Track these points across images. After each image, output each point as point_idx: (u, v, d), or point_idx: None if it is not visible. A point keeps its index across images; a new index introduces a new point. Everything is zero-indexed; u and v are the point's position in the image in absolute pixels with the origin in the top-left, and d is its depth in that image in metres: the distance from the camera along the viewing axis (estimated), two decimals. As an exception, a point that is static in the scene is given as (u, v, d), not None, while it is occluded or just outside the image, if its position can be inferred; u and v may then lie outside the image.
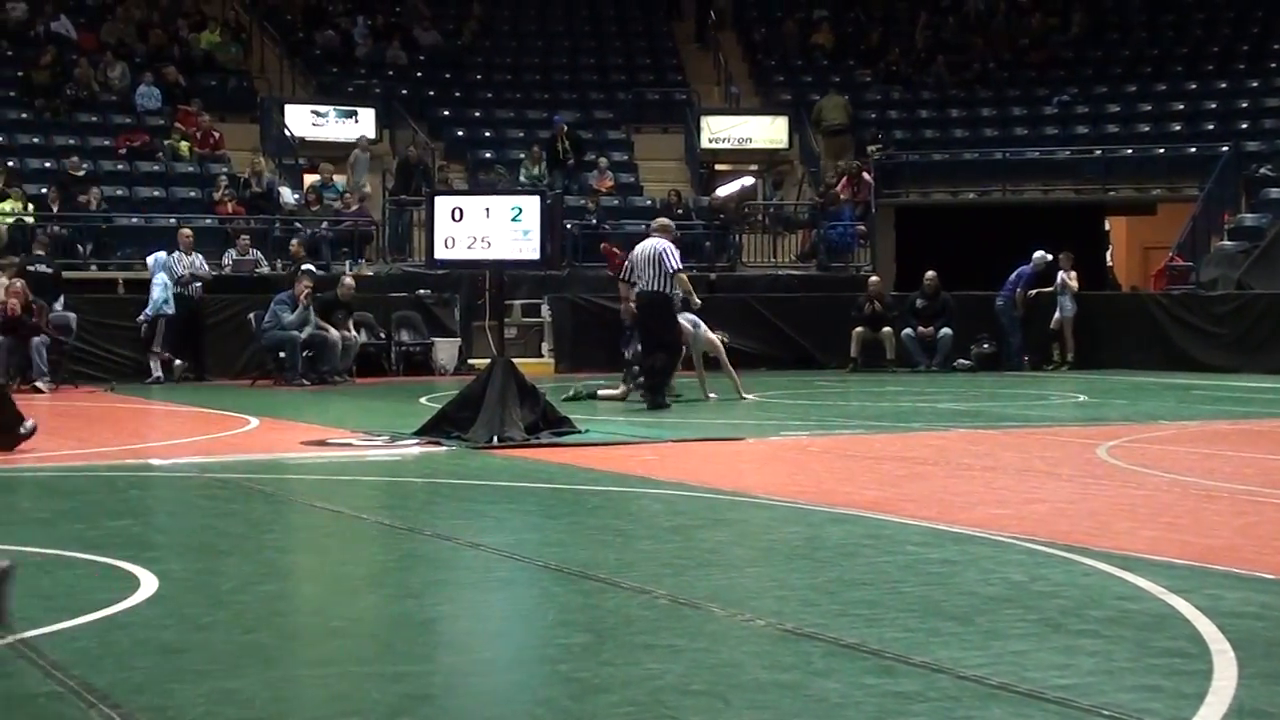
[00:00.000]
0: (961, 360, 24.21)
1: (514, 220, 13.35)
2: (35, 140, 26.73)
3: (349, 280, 22.45)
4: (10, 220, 23.54)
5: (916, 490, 10.05)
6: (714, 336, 17.82)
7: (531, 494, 10.16)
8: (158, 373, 21.16)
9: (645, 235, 17.36)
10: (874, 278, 25.35)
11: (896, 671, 5.10)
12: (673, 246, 16.73)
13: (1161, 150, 28.87)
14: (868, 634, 5.63)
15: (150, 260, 21.51)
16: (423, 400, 16.91)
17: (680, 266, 16.65)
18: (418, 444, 12.74)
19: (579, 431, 13.17)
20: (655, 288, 16.45)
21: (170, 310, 21.19)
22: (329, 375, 21.10)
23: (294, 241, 23.89)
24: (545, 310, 24.64)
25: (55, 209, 24.14)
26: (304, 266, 22.39)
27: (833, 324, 24.34)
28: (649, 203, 28.97)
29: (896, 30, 34.84)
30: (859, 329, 24.13)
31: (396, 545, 8.19)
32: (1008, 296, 24.29)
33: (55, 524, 8.65)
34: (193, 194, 25.97)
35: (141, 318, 21.22)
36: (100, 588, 6.66)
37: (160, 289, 21.23)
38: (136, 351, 21.43)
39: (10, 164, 25.03)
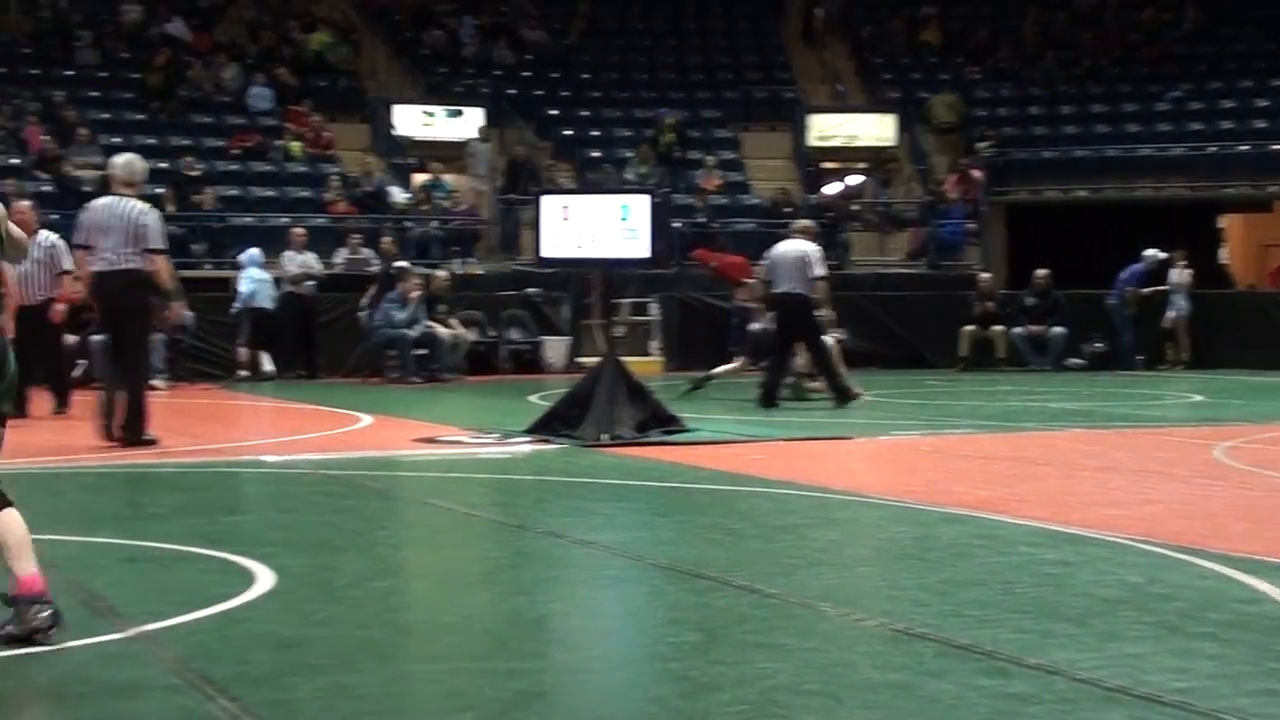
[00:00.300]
0: (1073, 359, 23.98)
1: (622, 219, 13.37)
2: (151, 141, 27.07)
3: (442, 275, 22.57)
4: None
5: (1029, 490, 9.97)
6: (830, 338, 17.85)
7: (641, 492, 10.18)
8: (257, 368, 21.40)
9: (785, 236, 17.25)
10: (984, 275, 25.16)
11: (1010, 673, 5.07)
12: (819, 251, 16.74)
13: (1277, 146, 28.40)
14: (981, 635, 5.59)
15: (244, 256, 21.78)
16: (532, 398, 16.98)
17: (824, 274, 16.67)
18: (528, 442, 12.80)
19: (688, 430, 13.17)
20: (797, 290, 16.46)
21: (263, 305, 21.40)
22: (439, 373, 21.25)
23: (385, 239, 23.97)
24: (654, 309, 24.66)
25: (171, 209, 24.46)
26: (399, 264, 22.48)
27: (942, 323, 24.19)
28: (757, 201, 28.91)
29: (1005, 26, 34.54)
30: (969, 328, 23.97)
31: (508, 542, 8.24)
32: (1119, 295, 24.03)
33: (174, 519, 8.78)
34: (305, 193, 26.25)
35: (233, 310, 21.50)
36: (218, 582, 6.75)
37: (248, 283, 21.48)
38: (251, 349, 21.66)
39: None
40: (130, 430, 12.55)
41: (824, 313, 17.17)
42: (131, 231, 12.49)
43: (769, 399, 16.40)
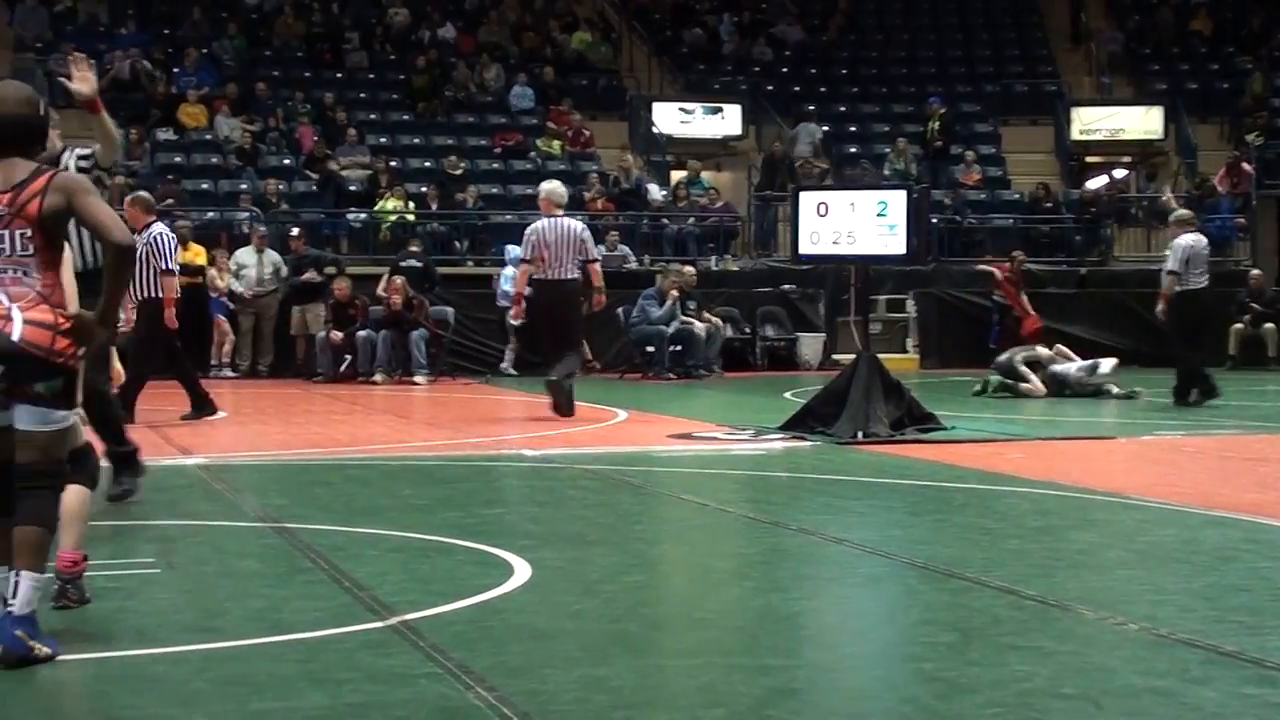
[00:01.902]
0: (1350, 359, 23.11)
1: (879, 215, 13.27)
2: (416, 141, 27.71)
3: (689, 271, 22.63)
4: (392, 218, 24.47)
5: (1300, 494, 9.66)
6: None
7: (896, 490, 10.09)
8: (505, 363, 21.75)
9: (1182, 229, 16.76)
10: (1255, 272, 24.38)
11: (1279, 682, 4.91)
12: (1201, 241, 16.40)
13: None
14: (1248, 642, 5.43)
15: (510, 251, 22.14)
16: (787, 395, 16.95)
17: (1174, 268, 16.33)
18: (782, 439, 12.78)
19: (945, 428, 13.02)
20: (1194, 286, 16.19)
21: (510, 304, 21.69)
22: (695, 369, 21.35)
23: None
24: (910, 305, 24.43)
25: (434, 207, 25.00)
26: (669, 265, 22.64)
27: (1210, 320, 23.47)
28: (1016, 196, 28.45)
29: (1279, 14, 33.42)
30: (1238, 325, 23.26)
31: (761, 539, 8.24)
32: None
33: (434, 511, 8.97)
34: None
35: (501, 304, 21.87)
36: (476, 574, 6.88)
37: (504, 281, 21.82)
38: (517, 344, 21.94)
39: (393, 164, 26.02)
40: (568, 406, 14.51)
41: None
42: (574, 245, 14.63)
43: (1183, 396, 16.19)
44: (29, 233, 5.29)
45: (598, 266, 15.21)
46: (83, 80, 7.85)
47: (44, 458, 5.37)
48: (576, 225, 15.08)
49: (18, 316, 5.25)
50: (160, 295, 13.16)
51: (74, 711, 4.93)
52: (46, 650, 5.22)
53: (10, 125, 5.39)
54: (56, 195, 5.30)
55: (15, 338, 5.23)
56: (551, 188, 15.43)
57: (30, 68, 26.44)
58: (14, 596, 5.22)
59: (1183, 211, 17.82)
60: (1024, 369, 17.64)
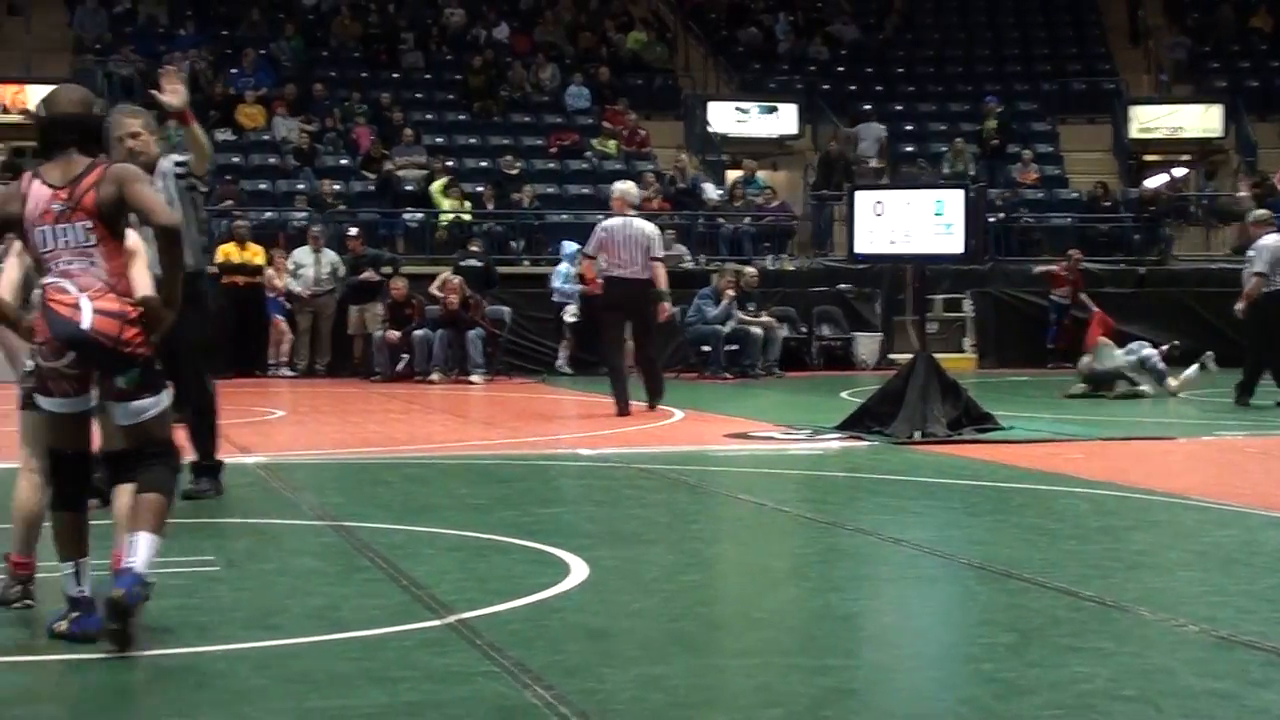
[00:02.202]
0: None
1: (936, 214, 13.22)
2: (472, 141, 27.79)
3: (750, 271, 22.60)
4: (450, 218, 24.55)
5: (1363, 495, 9.56)
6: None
7: (954, 490, 10.05)
8: (560, 360, 21.78)
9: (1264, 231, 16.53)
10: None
11: (1342, 685, 4.87)
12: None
13: None
14: (1311, 644, 5.39)
15: (564, 247, 22.17)
16: (844, 395, 16.92)
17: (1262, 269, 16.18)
18: (839, 438, 12.75)
19: (1003, 428, 12.96)
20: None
21: (565, 301, 21.72)
22: (751, 369, 21.32)
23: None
24: (967, 305, 24.33)
25: (490, 207, 25.06)
26: (727, 264, 22.61)
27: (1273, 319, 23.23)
28: (1074, 195, 28.30)
29: (1343, 10, 33.14)
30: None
31: (818, 539, 8.23)
32: None
33: (491, 510, 8.99)
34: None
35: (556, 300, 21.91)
36: (533, 573, 6.89)
37: (558, 279, 21.84)
38: (572, 342, 21.98)
39: (450, 164, 26.10)
40: (655, 396, 15.22)
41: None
42: (642, 245, 14.89)
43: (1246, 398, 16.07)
44: (90, 224, 5.47)
45: (661, 269, 15.30)
46: (173, 92, 7.97)
47: (148, 440, 5.56)
48: (647, 226, 15.37)
49: (86, 305, 5.40)
50: None
51: (135, 707, 4.96)
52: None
53: (65, 125, 5.58)
54: (110, 185, 5.48)
55: (85, 326, 5.38)
56: (626, 188, 15.75)
57: (90, 69, 26.68)
58: (133, 555, 5.38)
59: (1261, 211, 17.62)
60: (1131, 373, 17.50)
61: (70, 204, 5.45)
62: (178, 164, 8.48)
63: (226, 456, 9.77)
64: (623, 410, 14.82)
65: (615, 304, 15.23)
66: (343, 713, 4.70)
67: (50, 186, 5.48)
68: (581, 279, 20.30)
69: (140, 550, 5.41)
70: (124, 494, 5.88)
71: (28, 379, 5.63)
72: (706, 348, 21.45)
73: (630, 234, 15.03)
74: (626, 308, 15.12)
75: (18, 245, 6.14)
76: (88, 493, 5.75)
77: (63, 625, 5.54)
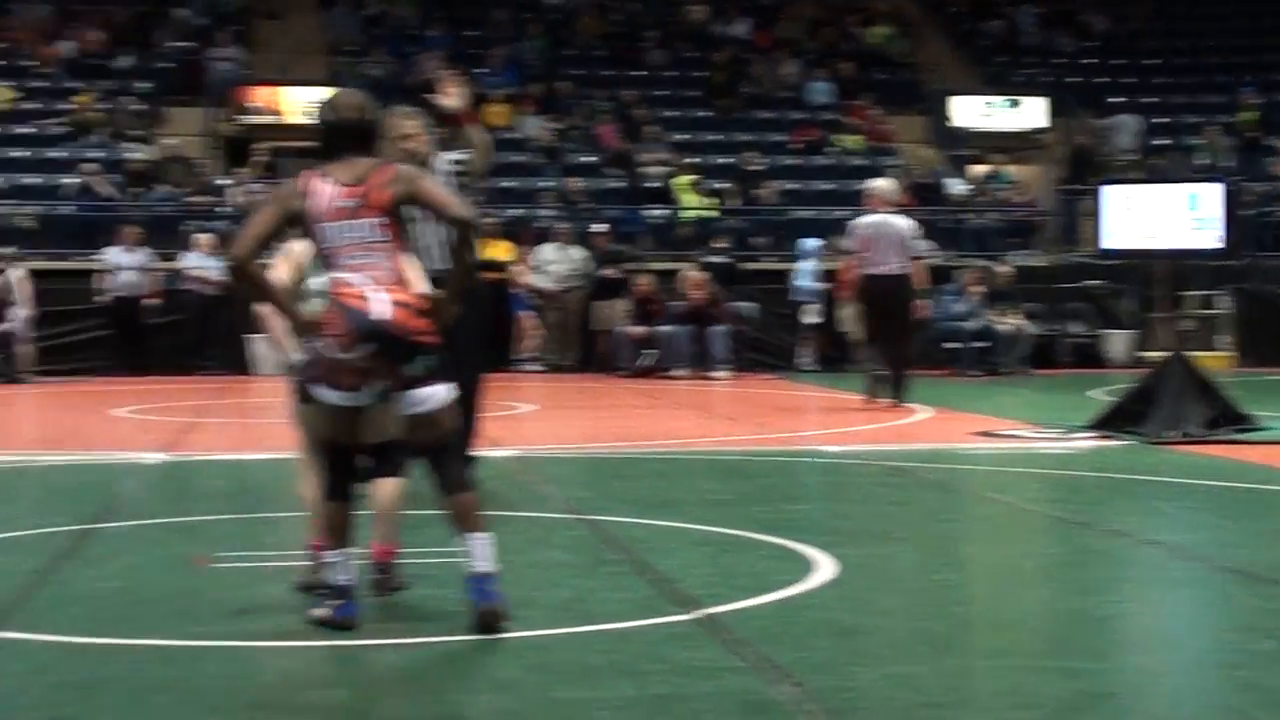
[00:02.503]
0: None
1: (1190, 208, 12.90)
2: (715, 137, 27.86)
3: (1005, 269, 22.28)
4: (693, 214, 24.66)
5: None
6: None
7: (1211, 491, 9.79)
8: (802, 358, 21.70)
9: None
10: None
11: None
12: None
13: None
14: None
15: (802, 245, 22.09)
16: (1093, 393, 16.59)
17: None
18: (1090, 437, 12.50)
19: (1264, 428, 12.57)
20: None
21: (807, 299, 21.64)
22: (999, 366, 21.04)
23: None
24: (1223, 301, 23.66)
25: (734, 203, 25.10)
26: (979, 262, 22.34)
27: None
28: (1337, 188, 27.36)
29: None
30: None
31: (1069, 539, 8.09)
32: None
33: (737, 506, 9.01)
34: (863, 186, 26.39)
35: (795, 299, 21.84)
36: (779, 569, 6.89)
37: (799, 277, 21.77)
38: (817, 340, 21.92)
39: (693, 160, 26.21)
40: (899, 390, 15.19)
41: None
42: (900, 242, 14.99)
43: None
44: (378, 220, 5.64)
45: (920, 265, 15.46)
46: (452, 95, 8.21)
47: (441, 431, 5.72)
48: (903, 222, 15.38)
49: (379, 297, 5.57)
50: None
51: (385, 694, 5.07)
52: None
53: (347, 130, 5.77)
54: (400, 184, 5.67)
55: (380, 317, 5.55)
56: (883, 184, 15.98)
57: (343, 70, 27.37)
58: (479, 560, 5.61)
59: None
60: None
61: (360, 201, 5.64)
62: (455, 161, 8.69)
63: (478, 450, 9.93)
64: (896, 402, 15.07)
65: (872, 301, 15.25)
66: (591, 704, 4.76)
67: (340, 184, 5.66)
68: (831, 275, 20.22)
69: (483, 552, 5.63)
70: (384, 488, 6.06)
71: (306, 371, 5.78)
72: (950, 344, 21.22)
73: (889, 231, 15.09)
74: (884, 305, 15.13)
75: (287, 245, 6.33)
76: (356, 484, 5.90)
77: (322, 612, 5.70)
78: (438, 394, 5.68)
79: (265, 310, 6.23)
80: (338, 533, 5.71)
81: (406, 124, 7.85)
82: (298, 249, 6.29)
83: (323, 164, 5.75)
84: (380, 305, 5.55)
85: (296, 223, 5.73)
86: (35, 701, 4.79)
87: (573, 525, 8.23)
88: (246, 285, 5.76)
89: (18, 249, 20.85)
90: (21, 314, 19.98)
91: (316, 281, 6.02)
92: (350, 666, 5.37)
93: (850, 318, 20.53)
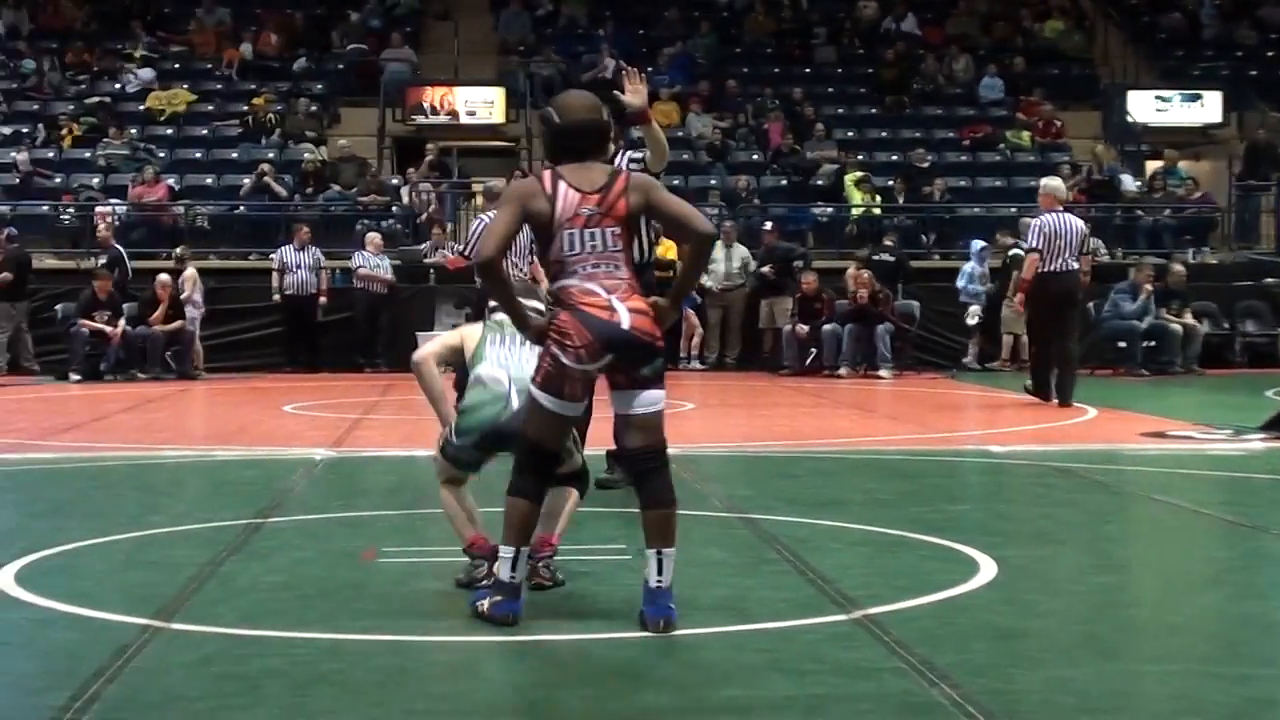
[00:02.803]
0: None
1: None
2: (883, 134, 27.68)
3: (1178, 268, 21.86)
4: (860, 212, 24.52)
5: None
6: None
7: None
8: (969, 356, 21.48)
9: None
10: None
11: None
12: None
13: None
14: None
15: (974, 245, 21.85)
16: (1269, 394, 16.24)
17: None
18: (1264, 439, 12.22)
19: None
20: None
21: (972, 298, 21.39)
22: (1169, 366, 20.65)
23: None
24: None
25: (901, 200, 24.92)
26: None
27: None
28: None
29: None
30: None
31: (1239, 543, 7.92)
32: None
33: (897, 506, 8.95)
34: (1032, 183, 26.02)
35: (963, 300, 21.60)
36: (940, 570, 6.83)
37: (964, 278, 21.52)
38: (981, 339, 21.69)
39: (860, 157, 26.07)
40: (1066, 390, 15.12)
41: None
42: (1077, 240, 15.04)
43: None
44: (617, 230, 5.68)
45: (1089, 262, 15.60)
46: (634, 92, 8.26)
47: (654, 439, 5.76)
48: (1078, 221, 15.38)
49: (620, 306, 5.62)
50: None
51: (544, 690, 5.11)
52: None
53: (581, 132, 5.78)
54: (637, 194, 5.70)
55: (626, 326, 5.60)
56: (1056, 184, 16.04)
57: (514, 70, 27.61)
58: (661, 574, 5.66)
59: None
60: None
61: (601, 210, 5.66)
62: (631, 160, 8.72)
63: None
64: (1063, 402, 14.99)
65: (1047, 299, 15.13)
66: (749, 703, 4.75)
67: (580, 191, 5.66)
68: (994, 274, 20.04)
69: (669, 569, 5.69)
70: (566, 494, 6.27)
71: (533, 375, 5.77)
72: (1122, 344, 20.87)
73: (1066, 229, 15.03)
74: (1058, 303, 15.04)
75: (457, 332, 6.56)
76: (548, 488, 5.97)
77: (485, 605, 5.76)
78: (662, 398, 5.75)
79: (429, 384, 6.36)
80: (519, 531, 5.73)
81: None
82: (470, 335, 6.47)
83: (554, 166, 5.75)
84: (624, 316, 5.59)
85: (532, 223, 5.70)
86: (202, 692, 4.90)
87: (733, 524, 8.23)
88: (493, 285, 5.79)
89: (186, 248, 21.34)
90: (195, 312, 20.45)
91: (485, 368, 6.25)
92: (510, 662, 5.42)
93: (1009, 318, 20.35)
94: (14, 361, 20.50)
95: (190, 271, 20.78)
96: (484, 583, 6.12)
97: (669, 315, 5.78)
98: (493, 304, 6.45)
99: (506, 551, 5.73)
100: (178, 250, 21.31)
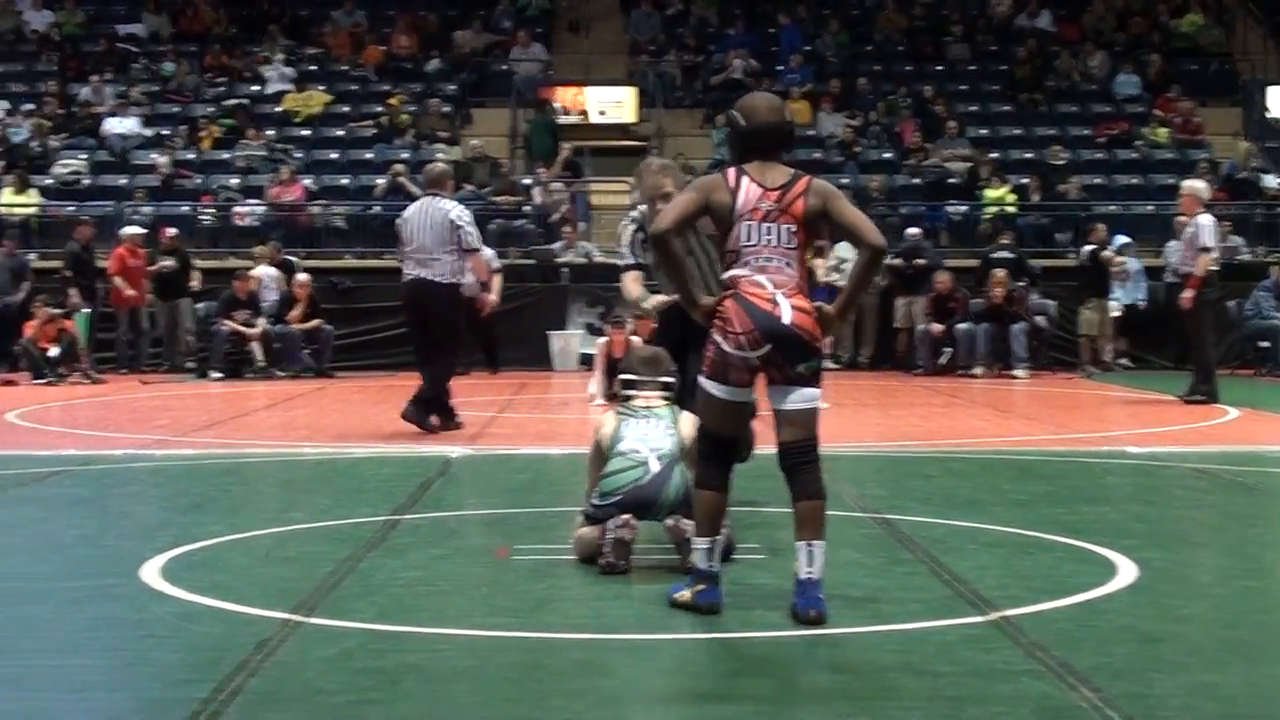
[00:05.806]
0: None
1: None
2: (1017, 132, 27.38)
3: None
4: (993, 210, 24.27)
5: None
6: None
7: None
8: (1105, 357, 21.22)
9: None
10: None
11: None
12: None
13: None
14: None
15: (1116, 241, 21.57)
16: None
17: None
18: None
19: None
20: None
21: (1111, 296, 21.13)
22: (1314, 367, 20.27)
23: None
24: None
25: (1036, 198, 24.64)
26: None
27: None
28: None
29: None
30: None
31: (1388, 547, 7.75)
32: None
33: (1034, 506, 8.85)
34: (1170, 180, 25.65)
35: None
36: (1078, 572, 6.75)
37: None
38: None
39: (994, 155, 25.81)
40: (1208, 389, 15.19)
41: None
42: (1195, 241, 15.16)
43: None
44: (794, 228, 5.85)
45: (1208, 259, 15.38)
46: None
47: (808, 435, 5.87)
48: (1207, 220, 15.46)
49: (784, 302, 5.78)
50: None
51: (677, 686, 5.11)
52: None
53: (768, 133, 5.98)
54: (816, 198, 5.89)
55: (786, 321, 5.76)
56: (1201, 186, 16.14)
57: (644, 70, 27.66)
58: (810, 565, 5.75)
59: None
60: None
61: (779, 206, 5.84)
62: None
63: (764, 447, 9.94)
64: (1210, 399, 15.14)
65: (1218, 297, 15.56)
66: (884, 705, 4.72)
67: (761, 186, 5.86)
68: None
69: (819, 560, 5.78)
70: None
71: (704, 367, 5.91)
72: (1264, 344, 20.51)
73: (1195, 231, 15.21)
74: (1217, 302, 15.46)
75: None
76: (730, 474, 6.04)
77: (686, 595, 5.88)
78: (817, 396, 5.85)
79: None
80: (710, 521, 5.87)
81: (665, 181, 7.84)
82: (605, 425, 6.90)
83: (740, 164, 5.93)
84: (786, 310, 5.74)
85: (714, 214, 5.90)
86: (341, 687, 4.95)
87: (867, 524, 8.19)
88: (664, 259, 5.98)
89: (272, 247, 21.62)
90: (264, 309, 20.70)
91: (623, 444, 6.70)
92: (640, 658, 5.42)
93: (1090, 319, 20.17)
94: (169, 359, 20.99)
95: (263, 270, 20.99)
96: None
97: (833, 323, 5.94)
98: (624, 389, 7.04)
99: (702, 543, 5.86)
100: (256, 250, 21.60)
